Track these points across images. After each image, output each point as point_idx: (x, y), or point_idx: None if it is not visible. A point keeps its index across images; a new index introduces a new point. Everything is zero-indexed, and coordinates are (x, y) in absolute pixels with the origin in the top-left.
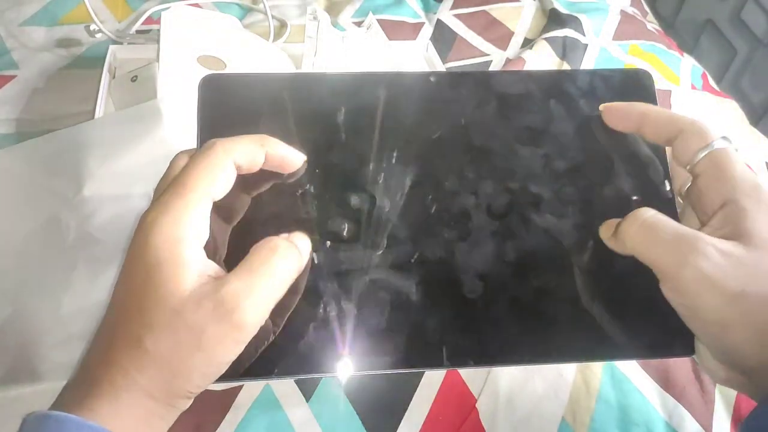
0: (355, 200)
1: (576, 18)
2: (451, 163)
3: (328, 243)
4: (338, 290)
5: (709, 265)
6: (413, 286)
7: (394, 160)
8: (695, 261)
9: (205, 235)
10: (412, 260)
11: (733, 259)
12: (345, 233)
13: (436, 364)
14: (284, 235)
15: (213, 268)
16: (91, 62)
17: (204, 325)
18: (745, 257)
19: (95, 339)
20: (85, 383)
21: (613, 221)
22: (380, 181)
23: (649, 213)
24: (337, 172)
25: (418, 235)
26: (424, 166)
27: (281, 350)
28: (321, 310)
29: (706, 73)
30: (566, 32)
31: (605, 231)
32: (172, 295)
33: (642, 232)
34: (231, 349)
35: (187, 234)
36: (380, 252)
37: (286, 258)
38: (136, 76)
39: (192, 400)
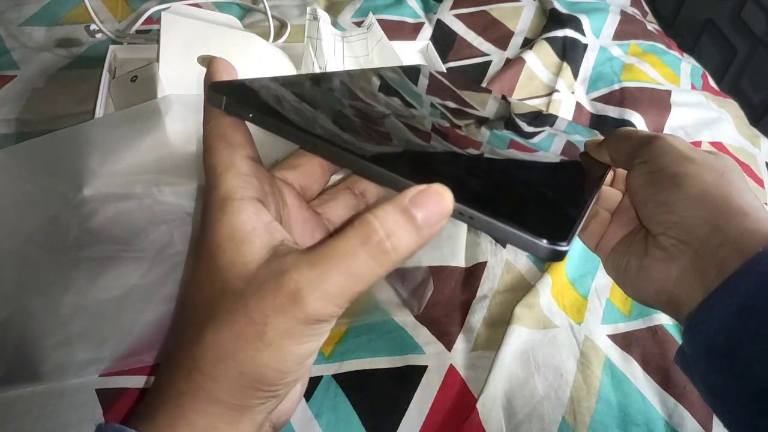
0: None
1: (576, 18)
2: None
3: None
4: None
5: (675, 139)
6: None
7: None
8: (663, 135)
9: (258, 197)
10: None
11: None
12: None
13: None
14: (399, 206)
15: (284, 234)
16: (91, 62)
17: (266, 315)
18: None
19: (167, 343)
20: (154, 391)
21: (597, 138)
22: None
23: (622, 129)
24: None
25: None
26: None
27: None
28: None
29: (706, 73)
30: (566, 32)
31: (592, 143)
32: (235, 278)
33: (619, 133)
34: (303, 343)
35: (240, 200)
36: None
37: (380, 254)
38: (136, 76)
39: (279, 401)
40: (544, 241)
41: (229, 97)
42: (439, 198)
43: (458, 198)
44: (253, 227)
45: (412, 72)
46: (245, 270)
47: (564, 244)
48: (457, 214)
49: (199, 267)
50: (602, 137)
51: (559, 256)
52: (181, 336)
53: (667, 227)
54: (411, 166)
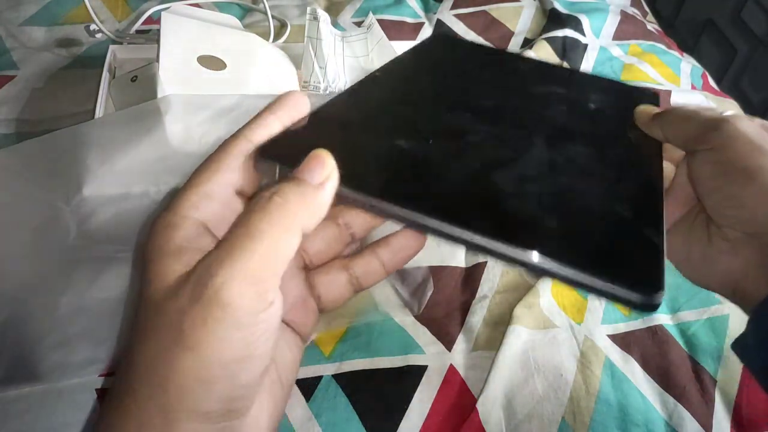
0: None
1: (576, 18)
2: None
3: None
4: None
5: (744, 123)
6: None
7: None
8: (731, 119)
9: (213, 217)
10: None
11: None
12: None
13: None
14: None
15: None
16: (91, 62)
17: (182, 313)
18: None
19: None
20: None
21: (649, 107)
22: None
23: (681, 106)
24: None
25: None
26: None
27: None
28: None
29: (706, 73)
30: (566, 32)
31: (643, 116)
32: (156, 291)
33: (679, 113)
34: (221, 339)
35: (183, 217)
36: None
37: (274, 212)
38: (136, 76)
39: (233, 423)
40: (638, 295)
41: (285, 164)
42: (316, 155)
43: (530, 243)
44: (183, 246)
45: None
46: (166, 280)
47: (660, 293)
48: (528, 267)
49: (140, 278)
50: (648, 107)
51: (655, 308)
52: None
53: (735, 221)
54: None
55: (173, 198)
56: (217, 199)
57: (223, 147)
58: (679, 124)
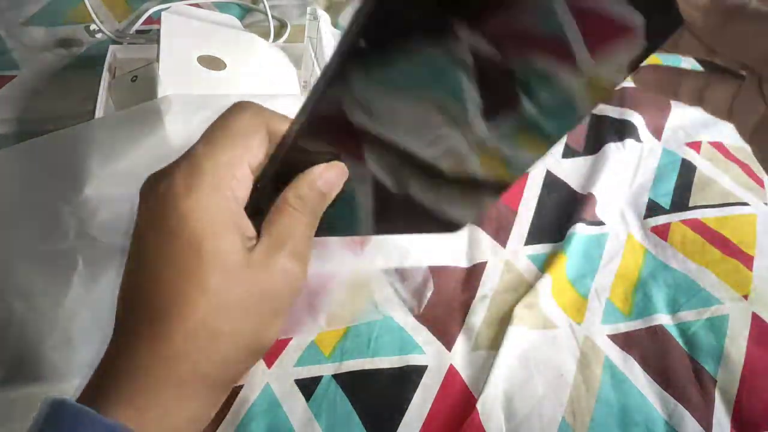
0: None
1: None
2: None
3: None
4: None
5: None
6: None
7: None
8: None
9: (244, 199)
10: None
11: None
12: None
13: None
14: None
15: (248, 227)
16: (91, 62)
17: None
18: None
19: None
20: (109, 373)
21: None
22: None
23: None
24: None
25: None
26: None
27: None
28: None
29: None
30: None
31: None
32: (234, 269)
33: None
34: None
35: (230, 200)
36: None
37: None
38: (136, 76)
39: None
40: None
41: None
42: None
43: None
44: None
45: None
46: (239, 261)
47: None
48: None
49: (165, 252)
50: None
51: None
52: (142, 313)
53: None
54: None
55: (194, 168)
56: (244, 174)
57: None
58: (754, 39)
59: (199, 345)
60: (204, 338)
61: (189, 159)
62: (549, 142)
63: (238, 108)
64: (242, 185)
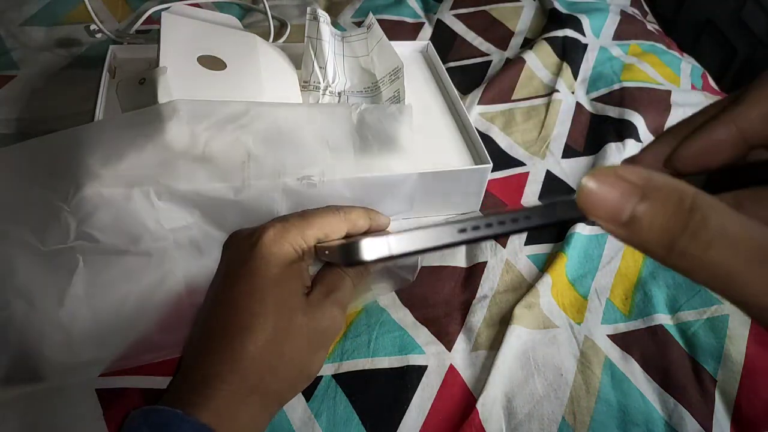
0: None
1: (576, 18)
2: None
3: None
4: None
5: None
6: None
7: None
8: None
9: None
10: None
11: None
12: None
13: None
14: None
15: (309, 280)
16: (91, 62)
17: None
18: None
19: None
20: (195, 381)
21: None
22: None
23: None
24: None
25: None
26: None
27: None
28: None
29: (706, 73)
30: (566, 32)
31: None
32: (297, 307)
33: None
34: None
35: (300, 257)
36: None
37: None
38: (144, 79)
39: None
40: None
41: None
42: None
43: None
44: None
45: None
46: (303, 301)
47: None
48: None
49: (260, 281)
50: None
51: None
52: (220, 333)
53: None
54: None
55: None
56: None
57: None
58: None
59: (266, 363)
60: (270, 358)
61: (283, 221)
62: None
63: (334, 208)
64: (310, 253)
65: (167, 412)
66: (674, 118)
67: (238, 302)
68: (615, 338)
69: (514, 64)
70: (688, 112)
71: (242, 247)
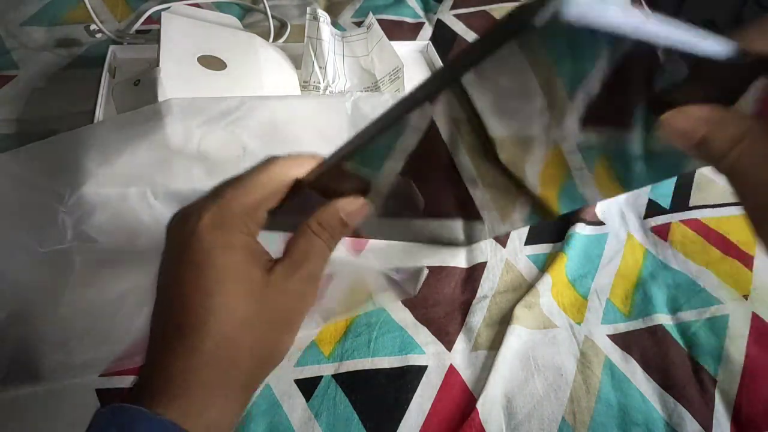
0: None
1: None
2: None
3: None
4: None
5: None
6: None
7: None
8: None
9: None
10: None
11: None
12: None
13: None
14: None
15: (266, 254)
16: (91, 62)
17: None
18: None
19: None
20: (156, 375)
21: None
22: None
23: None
24: None
25: None
26: None
27: None
28: None
29: None
30: None
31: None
32: (252, 292)
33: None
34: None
35: (249, 236)
36: None
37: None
38: (138, 80)
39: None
40: None
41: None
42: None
43: None
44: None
45: None
46: (262, 278)
47: None
48: None
49: (198, 271)
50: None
51: None
52: (174, 330)
53: None
54: None
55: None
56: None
57: (266, 172)
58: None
59: (225, 355)
60: (228, 349)
61: (217, 200)
62: (623, 186)
63: (267, 162)
64: (258, 227)
65: (133, 410)
66: None
67: (188, 298)
68: (615, 338)
69: None
70: None
71: (183, 235)
